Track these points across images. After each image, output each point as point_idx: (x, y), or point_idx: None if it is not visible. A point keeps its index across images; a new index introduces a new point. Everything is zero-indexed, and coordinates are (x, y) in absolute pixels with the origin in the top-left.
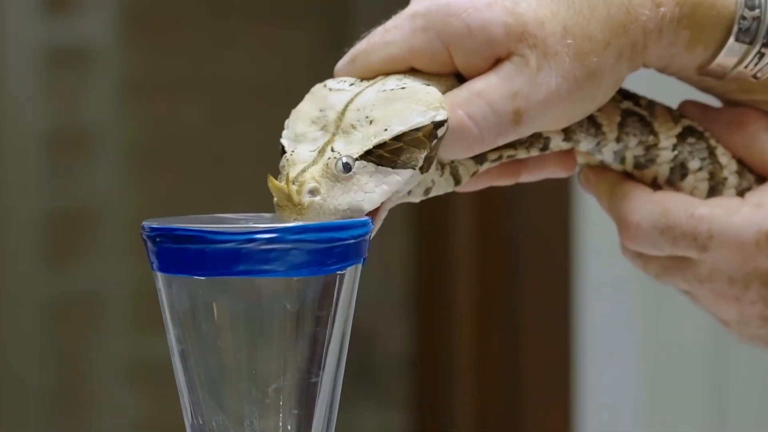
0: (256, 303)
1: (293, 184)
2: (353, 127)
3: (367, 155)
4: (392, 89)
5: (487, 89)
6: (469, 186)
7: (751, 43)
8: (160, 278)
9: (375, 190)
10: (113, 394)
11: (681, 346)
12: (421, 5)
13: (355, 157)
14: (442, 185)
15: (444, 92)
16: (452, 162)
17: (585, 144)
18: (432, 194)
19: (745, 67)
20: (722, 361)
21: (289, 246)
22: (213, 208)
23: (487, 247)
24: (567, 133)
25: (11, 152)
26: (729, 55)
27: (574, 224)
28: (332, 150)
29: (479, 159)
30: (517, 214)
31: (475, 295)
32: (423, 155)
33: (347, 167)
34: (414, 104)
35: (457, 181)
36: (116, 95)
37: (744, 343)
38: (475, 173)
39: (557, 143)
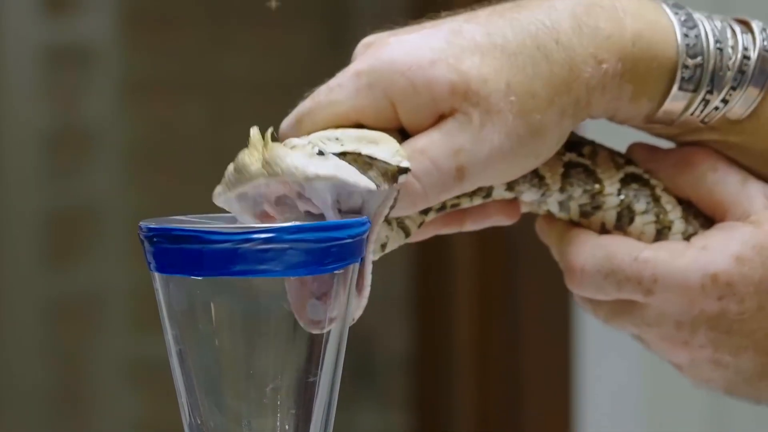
0: (253, 303)
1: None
2: (323, 143)
3: (341, 156)
4: (357, 132)
5: (430, 146)
6: (416, 237)
7: (695, 90)
8: (157, 278)
9: (351, 171)
10: (113, 394)
11: None
12: (365, 63)
13: (330, 152)
14: (395, 239)
15: None
16: (398, 216)
17: (528, 195)
18: (387, 250)
19: (692, 114)
20: None
21: (286, 246)
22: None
23: (487, 247)
24: (509, 183)
25: (11, 152)
26: (674, 103)
27: None
28: (303, 146)
29: (424, 210)
30: None
31: (475, 295)
32: (383, 185)
33: (321, 152)
34: (383, 145)
35: (407, 233)
36: (116, 95)
37: (698, 388)
38: (422, 223)
39: (500, 193)
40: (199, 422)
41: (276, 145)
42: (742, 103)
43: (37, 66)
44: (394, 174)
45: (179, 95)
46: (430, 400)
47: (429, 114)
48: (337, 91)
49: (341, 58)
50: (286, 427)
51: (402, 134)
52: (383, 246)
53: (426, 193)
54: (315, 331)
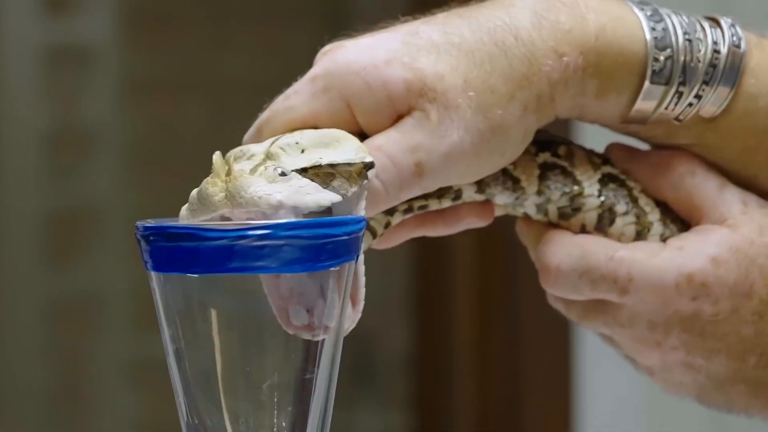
0: (249, 301)
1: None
2: (284, 150)
3: (302, 172)
4: (317, 133)
5: (386, 143)
6: (387, 241)
7: (667, 83)
8: (154, 278)
9: (312, 191)
10: (113, 394)
11: None
12: (320, 67)
13: (291, 169)
14: (364, 242)
15: None
16: None
17: (502, 198)
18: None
19: (665, 108)
20: None
21: (281, 242)
22: None
23: (487, 247)
24: (480, 185)
25: (11, 152)
26: (647, 99)
27: None
28: (265, 167)
29: (389, 211)
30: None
31: (475, 295)
32: (352, 189)
33: (284, 174)
34: (345, 143)
35: (374, 234)
36: (116, 95)
37: (668, 394)
38: (388, 224)
39: (470, 195)
40: (196, 421)
41: (239, 172)
42: (714, 101)
43: (37, 66)
44: (360, 171)
45: (179, 95)
46: (430, 400)
47: (386, 114)
48: (293, 97)
49: None
50: (283, 424)
51: (361, 137)
52: None
53: (386, 191)
54: (305, 337)
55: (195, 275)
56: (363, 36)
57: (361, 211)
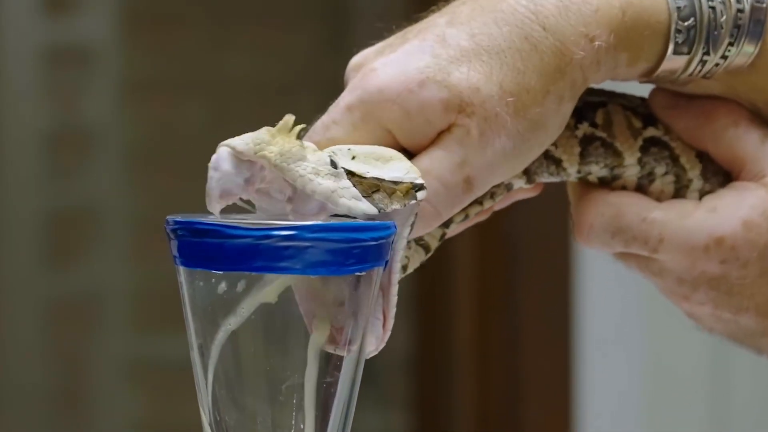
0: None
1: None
2: (335, 153)
3: (348, 174)
4: (370, 148)
5: (433, 166)
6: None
7: (689, 53)
8: (182, 272)
9: (350, 195)
10: (113, 394)
11: (682, 346)
12: (354, 96)
13: (340, 164)
14: (415, 258)
15: None
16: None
17: (548, 179)
18: (409, 271)
19: (691, 74)
20: (724, 361)
21: (306, 244)
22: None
23: (487, 247)
24: (528, 175)
25: (11, 152)
26: (672, 64)
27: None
28: (321, 152)
29: (445, 223)
30: (516, 214)
31: (475, 295)
32: (392, 206)
33: (334, 165)
34: (396, 163)
35: (427, 251)
36: (116, 95)
37: (703, 332)
38: (443, 236)
39: (520, 185)
40: (217, 417)
41: (297, 143)
42: (741, 57)
43: (37, 66)
44: (406, 191)
45: (179, 95)
46: (430, 400)
47: (427, 134)
48: (333, 129)
49: (341, 58)
50: (302, 426)
51: (406, 153)
52: (404, 267)
53: (438, 212)
54: (329, 350)
55: (219, 272)
56: (390, 48)
57: (406, 229)
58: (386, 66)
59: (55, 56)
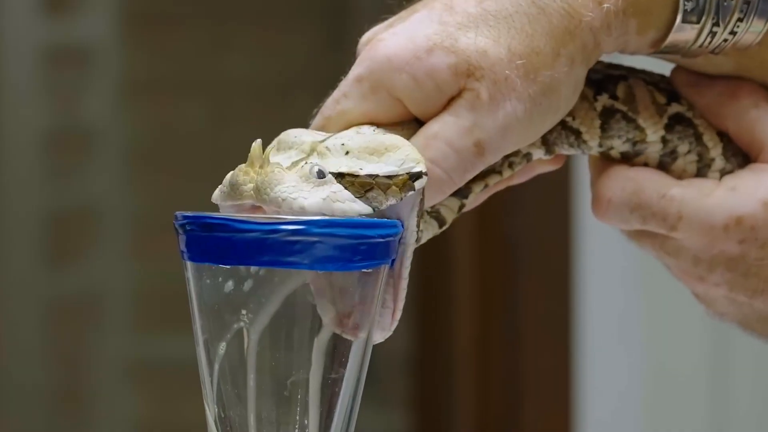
0: (281, 295)
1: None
2: (329, 150)
3: (338, 177)
4: (371, 133)
5: (442, 130)
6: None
7: (699, 21)
8: (189, 268)
9: (343, 199)
10: (113, 394)
11: (682, 346)
12: (363, 67)
13: (329, 171)
14: (429, 231)
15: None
16: (432, 206)
17: (567, 151)
18: (421, 242)
19: (700, 46)
20: (724, 362)
21: (314, 239)
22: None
23: (487, 247)
24: (546, 144)
25: (11, 152)
26: (681, 36)
27: (574, 224)
28: (304, 164)
29: (462, 194)
30: (516, 214)
31: (475, 295)
32: (388, 202)
33: (321, 174)
34: (393, 153)
35: (442, 223)
36: (116, 95)
37: (713, 318)
38: (461, 208)
39: (539, 155)
40: (222, 414)
41: (273, 166)
42: (750, 34)
43: (37, 66)
44: (402, 183)
45: (179, 95)
46: (430, 400)
47: (438, 101)
48: (343, 101)
49: (341, 57)
50: (306, 422)
51: (419, 123)
52: (416, 240)
53: (450, 177)
54: (337, 331)
55: (227, 267)
56: (399, 19)
57: (413, 220)
58: (394, 36)
59: (55, 56)
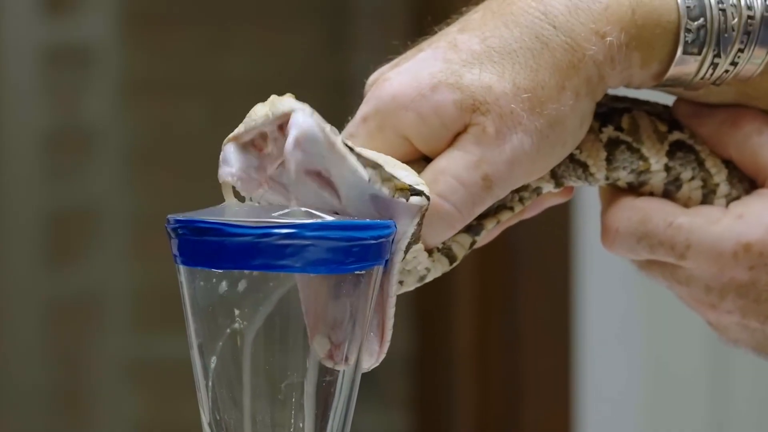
0: (275, 299)
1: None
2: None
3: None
4: (381, 155)
5: (449, 165)
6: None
7: (700, 53)
8: (182, 272)
9: (345, 152)
10: (113, 394)
11: (681, 347)
12: (369, 106)
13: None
14: (438, 269)
15: None
16: (443, 243)
17: (575, 183)
18: (427, 280)
19: (702, 78)
20: (723, 363)
21: (306, 242)
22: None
23: (487, 248)
24: (555, 178)
25: (11, 152)
26: (682, 69)
27: (574, 225)
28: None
29: (474, 231)
30: None
31: (475, 296)
32: (382, 189)
33: (335, 131)
34: (406, 171)
35: (452, 260)
36: (116, 95)
37: (727, 346)
38: (473, 245)
39: (548, 189)
40: (216, 417)
41: (293, 106)
42: (751, 64)
43: (37, 66)
44: (402, 188)
45: (179, 95)
46: (430, 400)
47: (445, 137)
48: (350, 141)
49: (341, 58)
50: (301, 425)
51: (427, 161)
52: (422, 278)
53: (459, 211)
54: (327, 365)
55: (220, 270)
56: (404, 59)
57: (404, 242)
58: (399, 75)
59: (55, 56)
